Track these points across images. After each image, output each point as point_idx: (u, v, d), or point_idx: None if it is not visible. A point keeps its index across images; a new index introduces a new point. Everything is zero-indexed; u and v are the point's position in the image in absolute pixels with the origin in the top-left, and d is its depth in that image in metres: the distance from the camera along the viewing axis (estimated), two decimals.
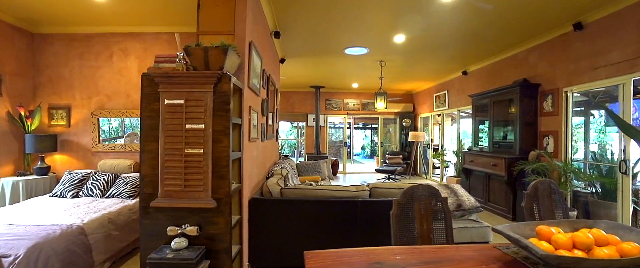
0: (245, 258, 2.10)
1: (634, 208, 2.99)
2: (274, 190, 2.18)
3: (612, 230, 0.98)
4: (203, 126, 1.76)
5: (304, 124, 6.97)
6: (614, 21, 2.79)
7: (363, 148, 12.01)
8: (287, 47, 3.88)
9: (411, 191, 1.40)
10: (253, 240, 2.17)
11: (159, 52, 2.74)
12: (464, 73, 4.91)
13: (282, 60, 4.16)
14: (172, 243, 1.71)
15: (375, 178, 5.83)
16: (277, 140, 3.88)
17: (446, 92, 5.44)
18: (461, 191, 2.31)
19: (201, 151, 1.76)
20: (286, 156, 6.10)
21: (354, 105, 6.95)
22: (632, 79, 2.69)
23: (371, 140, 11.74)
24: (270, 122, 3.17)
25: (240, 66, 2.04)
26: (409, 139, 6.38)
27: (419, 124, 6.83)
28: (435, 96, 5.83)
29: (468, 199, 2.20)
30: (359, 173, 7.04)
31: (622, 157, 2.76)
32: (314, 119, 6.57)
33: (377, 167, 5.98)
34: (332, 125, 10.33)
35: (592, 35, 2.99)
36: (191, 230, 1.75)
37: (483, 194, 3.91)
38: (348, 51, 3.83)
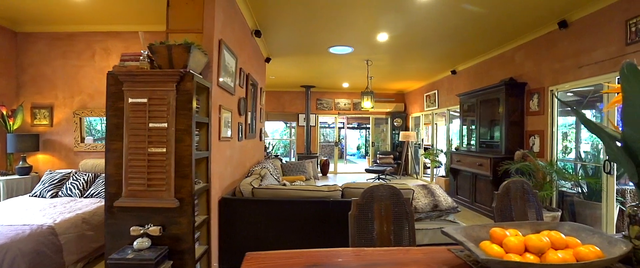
0: (215, 258, 2.07)
1: (620, 208, 2.94)
2: (246, 190, 2.16)
3: (575, 233, 0.94)
4: (166, 125, 1.74)
5: (296, 123, 6.95)
6: (597, 19, 2.74)
7: (358, 148, 11.96)
8: (272, 46, 3.86)
9: (371, 191, 1.36)
10: (224, 241, 2.14)
11: (140, 51, 2.73)
12: (453, 72, 4.86)
13: (268, 60, 4.13)
14: (134, 243, 1.69)
15: (365, 179, 5.78)
16: (261, 139, 3.85)
17: (436, 91, 5.40)
18: (439, 191, 2.27)
19: (164, 150, 1.74)
20: (276, 156, 6.09)
21: (345, 105, 6.92)
22: (617, 78, 2.65)
23: (366, 140, 11.71)
24: (250, 122, 3.14)
25: (208, 64, 2.02)
26: (400, 139, 6.34)
27: (411, 123, 6.78)
28: (426, 96, 5.78)
29: (445, 200, 2.16)
30: (350, 174, 7.00)
31: (607, 157, 2.71)
32: (304, 118, 6.55)
33: (367, 167, 5.93)
34: (326, 125, 10.31)
35: (577, 34, 2.94)
36: (154, 230, 1.72)
37: (470, 194, 3.87)
38: (332, 50, 3.80)
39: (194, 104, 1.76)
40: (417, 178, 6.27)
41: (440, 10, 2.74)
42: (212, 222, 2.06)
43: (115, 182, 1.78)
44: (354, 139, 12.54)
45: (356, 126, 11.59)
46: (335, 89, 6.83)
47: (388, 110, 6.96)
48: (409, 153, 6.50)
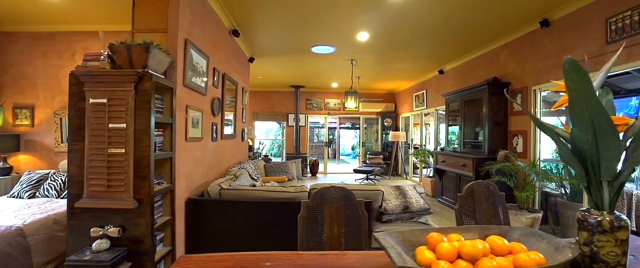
0: None
1: None
2: (213, 190, 2.13)
3: (524, 238, 0.90)
4: (125, 125, 1.73)
5: (285, 123, 6.92)
6: (579, 18, 2.70)
7: (353, 148, 11.92)
8: (255, 46, 3.84)
9: (322, 193, 1.33)
10: (191, 242, 2.12)
11: (100, 51, 2.72)
12: (440, 72, 4.81)
13: (251, 59, 4.11)
14: (93, 244, 1.67)
15: (354, 179, 5.75)
16: (244, 140, 3.83)
17: (425, 91, 5.35)
18: (412, 193, 2.24)
19: (123, 151, 1.73)
20: (266, 156, 6.06)
21: (335, 105, 6.88)
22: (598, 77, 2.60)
23: (360, 140, 11.68)
24: (227, 122, 3.12)
25: (173, 64, 2.00)
26: (390, 139, 6.29)
27: (401, 123, 6.73)
28: (415, 95, 5.74)
29: (417, 201, 2.13)
30: (340, 174, 6.96)
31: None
32: (294, 118, 6.52)
33: (355, 167, 5.89)
34: (319, 125, 10.27)
35: (558, 33, 2.89)
36: (113, 231, 1.71)
37: (454, 195, 3.82)
38: (315, 49, 3.77)
39: (154, 104, 1.75)
40: (406, 179, 6.23)
41: (416, 10, 2.71)
42: (178, 223, 2.04)
43: (77, 183, 1.76)
44: (349, 139, 12.49)
45: (350, 126, 11.55)
46: (325, 88, 6.80)
47: (379, 110, 6.92)
48: (399, 154, 6.45)
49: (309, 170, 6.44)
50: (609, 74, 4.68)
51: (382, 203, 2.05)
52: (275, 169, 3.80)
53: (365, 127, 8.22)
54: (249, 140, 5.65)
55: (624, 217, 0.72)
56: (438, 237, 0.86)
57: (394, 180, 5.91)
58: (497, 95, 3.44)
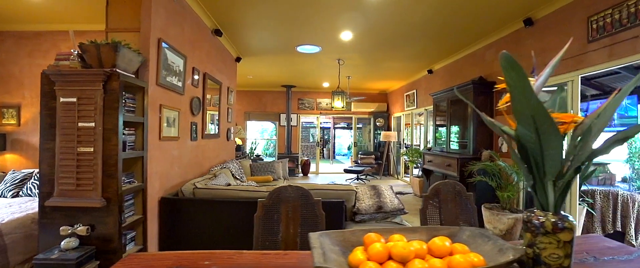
0: None
1: (587, 210, 2.86)
2: (187, 190, 2.13)
3: (472, 239, 0.88)
4: (93, 124, 1.74)
5: (277, 123, 6.91)
6: (561, 16, 2.67)
7: (349, 148, 11.90)
8: (241, 46, 3.83)
9: (278, 192, 1.33)
10: (165, 241, 2.12)
11: (70, 50, 2.73)
12: (430, 72, 4.79)
13: (238, 59, 4.11)
14: (62, 243, 1.68)
15: (344, 179, 5.73)
16: (229, 139, 3.82)
17: (415, 91, 5.33)
18: (387, 193, 2.23)
19: (92, 149, 1.74)
20: (258, 156, 6.07)
21: (326, 104, 6.86)
22: (579, 76, 2.58)
23: (361, 140, 11.65)
24: (211, 121, 3.12)
25: (145, 64, 2.00)
26: (381, 139, 6.27)
27: (393, 123, 6.71)
28: (406, 95, 5.71)
29: (391, 201, 2.11)
30: (331, 174, 6.94)
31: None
32: (286, 118, 6.52)
33: (346, 167, 5.88)
34: (313, 125, 10.25)
35: (541, 31, 2.87)
36: (81, 230, 1.71)
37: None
38: (300, 49, 3.76)
39: (122, 104, 1.75)
40: (397, 179, 6.20)
41: (396, 10, 2.70)
42: (151, 222, 2.04)
43: (49, 182, 1.78)
44: (345, 139, 12.47)
45: (346, 126, 11.53)
46: (317, 88, 6.78)
47: (371, 110, 6.90)
48: (391, 154, 6.43)
49: (300, 170, 6.43)
50: (595, 74, 4.61)
51: (355, 203, 2.04)
52: (260, 169, 3.80)
53: (359, 127, 8.21)
54: (238, 140, 5.65)
55: (571, 219, 0.70)
56: (375, 238, 0.85)
57: (384, 180, 5.88)
58: (482, 94, 3.42)
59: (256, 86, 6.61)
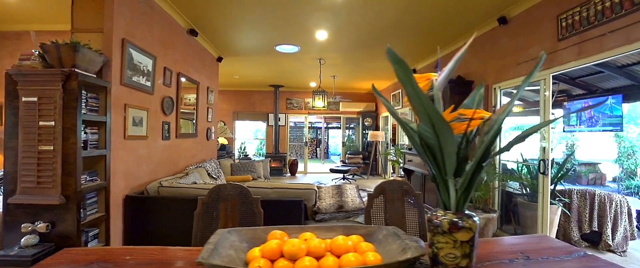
0: None
1: (562, 210, 2.85)
2: (152, 188, 2.16)
3: (385, 238, 0.87)
4: (53, 123, 1.77)
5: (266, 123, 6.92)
6: (533, 15, 2.67)
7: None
8: (221, 46, 3.86)
9: (218, 190, 1.34)
10: (129, 238, 2.15)
11: (31, 50, 2.75)
12: (413, 71, 4.78)
13: (220, 59, 4.14)
14: (22, 240, 1.72)
15: (330, 179, 5.73)
16: (209, 139, 3.85)
17: (400, 90, 5.32)
18: (351, 192, 2.24)
19: (51, 148, 1.77)
20: (246, 155, 6.09)
21: (322, 105, 6.84)
22: (551, 74, 2.57)
23: (351, 140, 11.64)
24: (189, 120, 3.14)
25: (108, 63, 2.03)
26: (369, 139, 6.26)
27: (381, 123, 6.70)
28: (392, 95, 5.71)
29: (352, 201, 2.12)
30: (319, 173, 6.93)
31: (542, 156, 2.63)
32: (274, 117, 6.52)
33: (332, 167, 5.88)
34: (307, 125, 10.24)
35: (515, 30, 2.86)
36: (41, 227, 1.75)
37: (422, 195, 3.79)
38: (279, 49, 3.78)
39: (81, 103, 1.78)
40: (385, 178, 6.20)
41: (363, 10, 2.72)
42: (115, 220, 2.07)
43: (13, 180, 1.81)
44: (339, 139, 12.46)
45: (339, 126, 11.52)
46: (305, 88, 6.79)
47: (359, 109, 6.89)
48: (379, 153, 6.43)
49: (288, 169, 6.44)
50: (580, 73, 4.58)
51: (316, 202, 2.05)
52: (241, 168, 3.82)
53: (350, 126, 8.19)
54: (223, 139, 5.68)
55: (475, 219, 0.68)
56: (278, 235, 0.86)
57: (371, 180, 5.88)
58: (459, 93, 3.42)
59: (244, 86, 6.63)
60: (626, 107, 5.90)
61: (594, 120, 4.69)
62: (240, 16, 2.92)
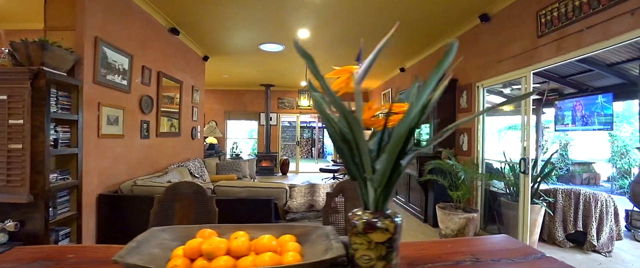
0: None
1: (546, 210, 2.82)
2: (125, 186, 2.16)
3: (318, 238, 0.85)
4: (22, 121, 1.78)
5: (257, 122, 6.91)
6: (514, 11, 2.64)
7: None
8: (206, 45, 3.86)
9: (174, 188, 1.34)
10: (103, 237, 2.15)
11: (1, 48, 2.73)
12: (402, 70, 4.77)
13: (206, 58, 4.14)
14: None
15: (320, 178, 5.73)
16: (194, 138, 3.85)
17: (390, 90, 5.31)
18: (322, 191, 2.23)
19: (20, 146, 1.77)
20: (237, 155, 6.09)
21: (308, 104, 6.84)
22: (531, 72, 2.54)
23: None
24: (165, 119, 3.14)
25: (80, 62, 2.03)
26: None
27: None
28: (383, 94, 5.70)
29: (324, 200, 2.11)
30: (311, 173, 6.91)
31: (523, 155, 2.60)
32: (265, 117, 6.52)
33: (322, 167, 5.87)
34: (303, 124, 10.24)
35: (497, 27, 2.84)
36: (10, 225, 1.75)
37: (407, 194, 3.78)
38: (263, 47, 3.77)
39: (49, 101, 1.79)
40: None
41: (338, 9, 2.71)
42: (88, 218, 2.07)
43: None
44: None
45: None
46: (296, 87, 6.76)
47: (351, 109, 6.84)
48: None
49: (279, 169, 6.44)
50: (570, 72, 4.50)
51: (286, 202, 2.04)
52: (226, 167, 3.82)
53: None
54: (212, 139, 5.68)
55: (397, 220, 0.65)
56: (207, 234, 0.84)
57: None
58: (445, 91, 3.39)
59: (235, 85, 6.63)
60: (621, 106, 5.85)
61: (585, 118, 4.64)
62: (222, 15, 2.92)
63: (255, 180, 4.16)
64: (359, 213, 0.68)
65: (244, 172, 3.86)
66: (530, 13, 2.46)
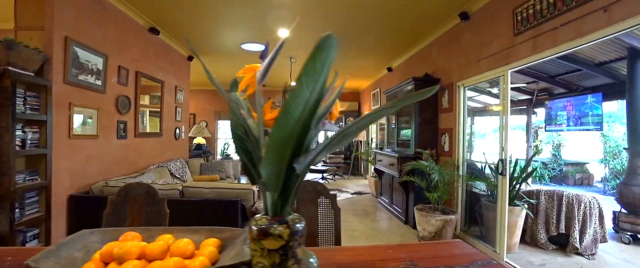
0: None
1: (527, 213, 2.78)
2: (97, 187, 2.16)
3: (238, 242, 0.83)
4: None
5: None
6: (492, 9, 2.62)
7: None
8: (192, 45, 3.85)
9: (126, 189, 1.33)
10: None
11: None
12: (389, 69, 4.74)
13: (190, 58, 4.14)
14: None
15: (310, 178, 5.71)
16: (178, 138, 3.85)
17: (379, 89, 5.28)
18: None
19: None
20: (227, 155, 6.10)
21: None
22: (509, 71, 2.51)
23: None
24: (142, 119, 3.13)
25: (49, 62, 2.03)
26: None
27: None
28: (372, 94, 5.67)
29: None
30: None
31: (501, 156, 2.58)
32: None
33: (310, 167, 5.84)
34: None
35: (477, 26, 2.81)
36: None
37: (390, 195, 3.76)
38: (245, 47, 3.77)
39: (21, 101, 1.79)
40: (365, 178, 6.16)
41: (314, 8, 2.67)
42: (58, 219, 2.08)
43: None
44: None
45: None
46: (282, 87, 6.72)
47: (343, 109, 6.85)
48: (360, 153, 6.38)
49: None
50: (560, 72, 4.45)
51: (255, 203, 2.03)
52: (210, 168, 3.83)
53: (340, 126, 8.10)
54: (200, 139, 5.68)
55: (299, 226, 0.59)
56: (129, 237, 0.84)
57: (351, 180, 5.84)
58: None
59: (225, 85, 6.51)
60: (616, 106, 5.77)
61: (575, 118, 4.59)
62: (201, 14, 2.92)
63: (239, 182, 4.16)
64: (258, 218, 0.62)
65: (227, 172, 3.86)
66: (507, 10, 2.43)
